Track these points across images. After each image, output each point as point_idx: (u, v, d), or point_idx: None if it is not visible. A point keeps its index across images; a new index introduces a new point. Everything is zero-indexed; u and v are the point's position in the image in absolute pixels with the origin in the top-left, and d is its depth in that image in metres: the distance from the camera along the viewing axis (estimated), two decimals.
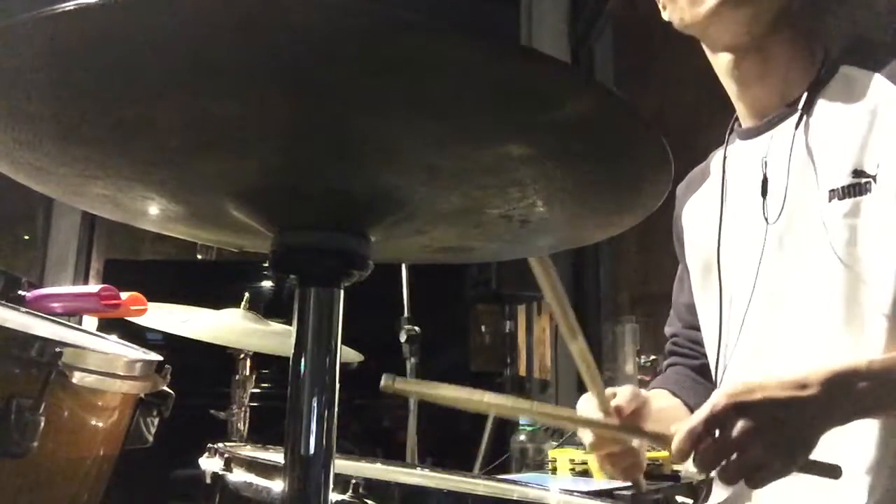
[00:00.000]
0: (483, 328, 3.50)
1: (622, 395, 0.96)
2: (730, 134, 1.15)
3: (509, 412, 0.88)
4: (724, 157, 1.15)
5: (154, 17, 0.36)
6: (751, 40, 1.03)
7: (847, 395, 0.82)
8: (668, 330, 1.33)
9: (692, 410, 1.16)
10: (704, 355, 1.19)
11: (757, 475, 0.79)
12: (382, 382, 0.73)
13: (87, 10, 0.36)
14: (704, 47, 1.11)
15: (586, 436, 0.99)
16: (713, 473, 0.81)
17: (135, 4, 0.36)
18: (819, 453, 0.80)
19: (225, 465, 0.98)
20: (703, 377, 1.21)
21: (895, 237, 0.90)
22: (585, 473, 1.66)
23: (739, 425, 0.78)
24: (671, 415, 1.14)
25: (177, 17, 0.36)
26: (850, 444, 0.89)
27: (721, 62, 1.09)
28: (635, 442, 0.96)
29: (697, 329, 1.21)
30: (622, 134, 0.48)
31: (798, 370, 0.84)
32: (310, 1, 0.35)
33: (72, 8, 0.35)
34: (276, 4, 0.36)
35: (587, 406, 0.96)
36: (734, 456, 0.79)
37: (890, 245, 0.91)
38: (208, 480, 1.01)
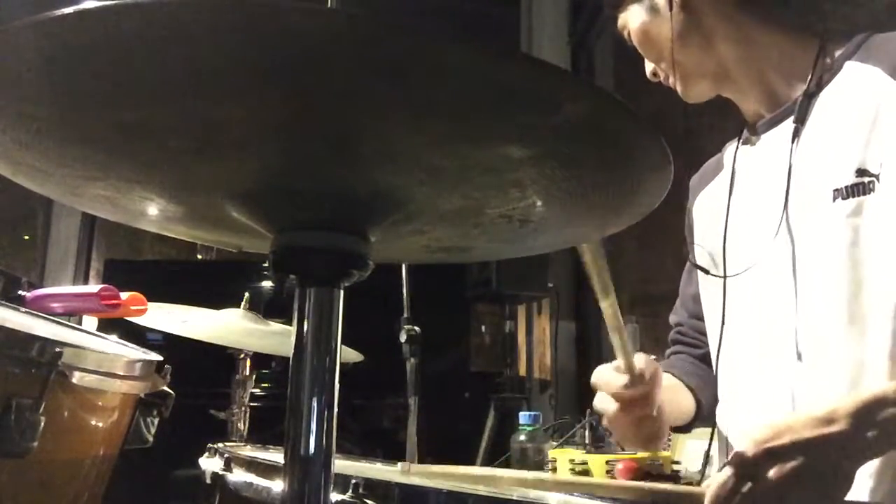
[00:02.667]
0: (483, 328, 3.50)
1: (639, 360, 0.95)
2: (742, 128, 1.16)
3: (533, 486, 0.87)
4: (736, 150, 1.16)
5: (154, 21, 0.36)
6: (726, 79, 1.11)
7: (877, 425, 0.80)
8: (672, 319, 1.33)
9: (694, 394, 1.17)
10: (708, 345, 1.19)
11: None
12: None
13: (87, 14, 0.36)
14: None
15: (609, 403, 0.98)
16: None
17: (134, 8, 0.36)
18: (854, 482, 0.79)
19: (225, 465, 0.98)
20: (705, 365, 1.21)
21: None
22: (585, 473, 1.66)
23: (773, 473, 0.77)
24: (675, 395, 1.15)
25: (176, 20, 0.36)
26: None
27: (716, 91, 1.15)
28: (657, 405, 0.95)
29: (702, 320, 1.21)
30: (622, 135, 0.48)
31: (823, 404, 0.82)
32: (309, 5, 0.35)
33: (72, 11, 0.35)
34: (276, 9, 0.36)
35: (606, 373, 0.96)
36: None
37: (893, 245, 0.90)
38: (208, 480, 1.01)
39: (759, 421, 0.87)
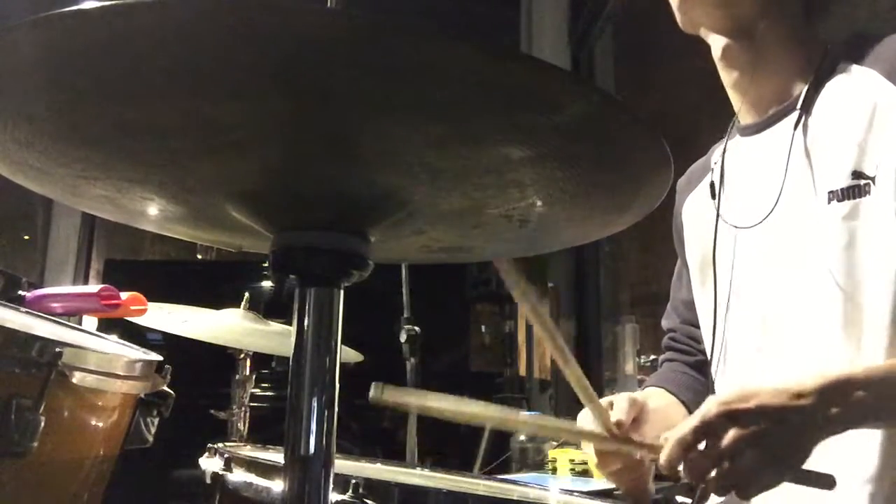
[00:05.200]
0: (483, 328, 3.50)
1: (619, 407, 0.94)
2: (731, 129, 1.15)
3: (503, 424, 0.85)
4: (724, 153, 1.15)
5: (154, 21, 0.36)
6: (734, 24, 1.04)
7: (842, 404, 0.80)
8: (665, 324, 1.32)
9: (688, 408, 1.16)
10: (702, 352, 1.18)
11: (747, 485, 0.78)
12: (371, 393, 0.64)
13: (86, 14, 0.36)
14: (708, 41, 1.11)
15: (591, 455, 0.98)
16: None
17: (134, 8, 0.36)
18: (820, 462, 0.79)
19: (225, 465, 0.98)
20: (699, 374, 1.21)
21: (894, 240, 0.90)
22: (585, 473, 1.67)
23: (730, 434, 0.77)
24: (667, 414, 1.13)
25: (176, 20, 0.36)
26: (852, 452, 0.88)
27: (715, 49, 1.09)
28: (638, 457, 0.95)
29: (695, 326, 1.20)
30: (622, 136, 0.48)
31: (793, 377, 0.83)
32: (309, 5, 0.35)
33: (72, 11, 0.35)
34: (276, 9, 0.36)
35: (587, 421, 0.95)
36: (725, 465, 0.77)
37: (888, 248, 0.90)
38: (208, 480, 1.01)
39: (731, 383, 0.87)
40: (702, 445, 0.79)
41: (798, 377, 0.82)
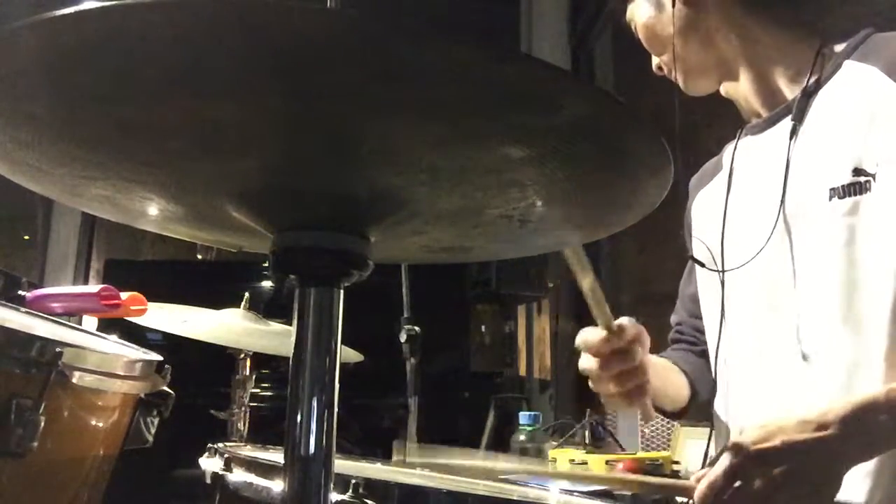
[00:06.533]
0: (483, 328, 3.50)
1: (624, 319, 0.98)
2: (741, 128, 1.17)
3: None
4: (734, 151, 1.16)
5: (153, 20, 0.36)
6: (726, 74, 1.12)
7: (867, 430, 0.81)
8: (673, 319, 1.34)
9: (688, 378, 1.17)
10: (707, 344, 1.19)
11: None
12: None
13: (86, 14, 0.36)
14: None
15: (590, 361, 0.99)
16: None
17: (134, 8, 0.36)
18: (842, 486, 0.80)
19: (225, 465, 0.98)
20: (704, 361, 1.22)
21: (894, 236, 0.90)
22: None
23: (762, 475, 0.78)
24: (666, 373, 1.16)
25: (176, 19, 0.36)
26: None
27: (722, 91, 1.16)
28: (638, 358, 0.97)
29: (701, 319, 1.21)
30: (622, 135, 0.48)
31: (816, 407, 0.83)
32: (309, 5, 0.35)
33: (72, 11, 0.35)
34: (276, 8, 0.36)
35: (586, 332, 0.98)
36: None
37: (889, 244, 0.90)
38: (208, 480, 1.01)
39: (752, 422, 0.88)
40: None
41: (820, 406, 0.83)
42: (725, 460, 0.80)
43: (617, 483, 0.92)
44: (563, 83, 0.43)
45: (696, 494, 0.80)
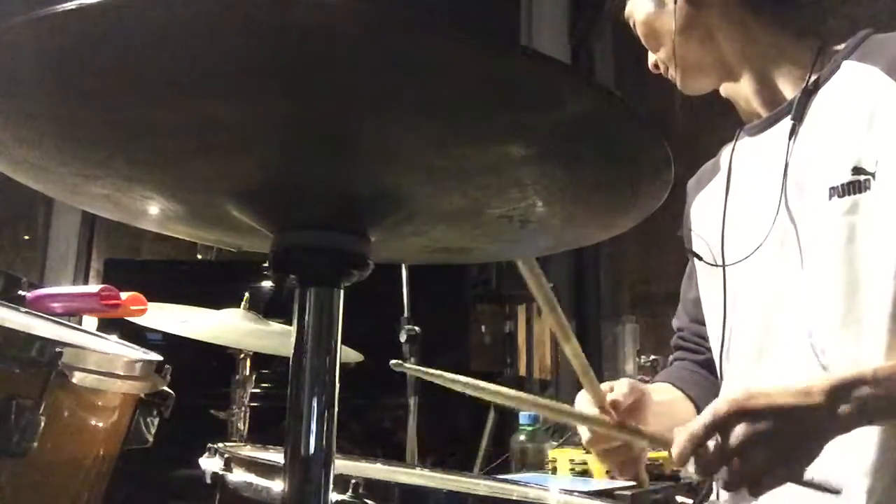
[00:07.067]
0: (483, 328, 3.49)
1: (619, 389, 0.97)
2: (739, 129, 1.17)
3: (509, 402, 0.90)
4: (732, 152, 1.16)
5: (154, 18, 0.36)
6: (725, 73, 1.12)
7: (851, 403, 0.81)
8: (675, 323, 1.34)
9: (695, 404, 1.17)
10: (710, 350, 1.19)
11: (757, 482, 0.79)
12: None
13: (86, 10, 0.36)
14: None
15: (583, 431, 1.00)
16: (714, 479, 0.81)
17: (134, 4, 0.36)
18: (820, 455, 0.80)
19: (225, 465, 0.98)
20: (707, 372, 1.22)
21: (894, 235, 0.90)
22: (585, 473, 1.66)
23: (741, 431, 0.78)
24: (672, 408, 1.15)
25: (176, 17, 0.36)
26: (851, 445, 0.89)
27: (721, 92, 1.16)
28: (647, 449, 0.97)
29: (703, 324, 1.21)
30: (622, 134, 0.48)
31: (803, 378, 0.84)
32: (309, 1, 0.35)
33: (72, 8, 0.35)
34: (275, 5, 0.36)
35: (584, 403, 0.97)
36: (735, 462, 0.79)
37: (889, 243, 0.91)
38: (208, 480, 1.01)
39: (738, 382, 0.88)
40: (711, 442, 0.80)
41: (808, 377, 0.84)
42: (708, 414, 0.80)
43: (592, 423, 0.93)
44: (565, 77, 0.42)
45: (675, 445, 0.81)
